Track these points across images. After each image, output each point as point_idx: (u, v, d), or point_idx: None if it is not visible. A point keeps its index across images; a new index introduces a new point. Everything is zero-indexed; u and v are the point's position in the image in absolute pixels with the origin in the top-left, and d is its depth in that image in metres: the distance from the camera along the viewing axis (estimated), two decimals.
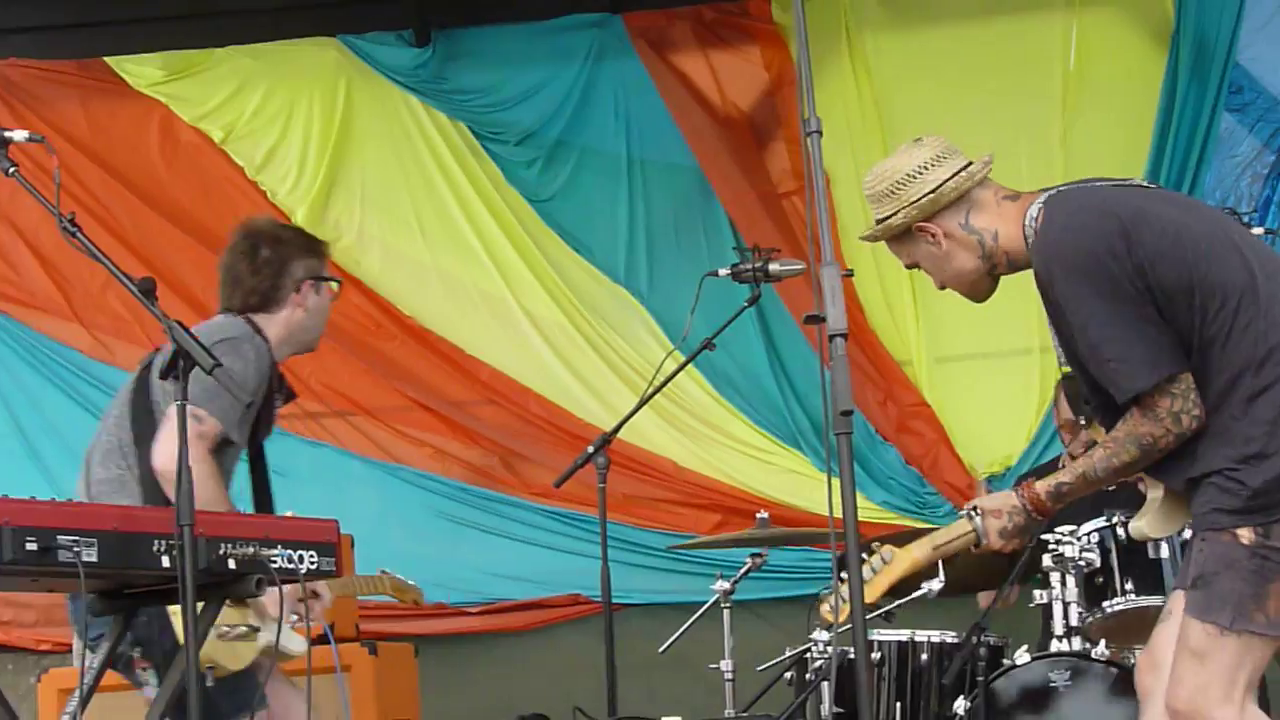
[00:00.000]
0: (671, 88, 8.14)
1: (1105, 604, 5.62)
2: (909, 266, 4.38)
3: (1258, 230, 6.54)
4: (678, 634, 6.35)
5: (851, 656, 5.18)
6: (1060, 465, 5.27)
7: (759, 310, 7.36)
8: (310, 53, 8.26)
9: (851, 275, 6.85)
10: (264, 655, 4.96)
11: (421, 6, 8.22)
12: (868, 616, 5.51)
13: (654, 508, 7.97)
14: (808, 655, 5.91)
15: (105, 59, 8.25)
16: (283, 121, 8.22)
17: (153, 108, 8.27)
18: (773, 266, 6.17)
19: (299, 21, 8.30)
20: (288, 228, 5.44)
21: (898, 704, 5.75)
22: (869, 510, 7.61)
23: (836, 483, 3.81)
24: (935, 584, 5.46)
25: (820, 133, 3.86)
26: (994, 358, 7.87)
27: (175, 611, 4.67)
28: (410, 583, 6.42)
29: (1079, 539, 5.63)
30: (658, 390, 6.55)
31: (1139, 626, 5.45)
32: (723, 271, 6.25)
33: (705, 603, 6.29)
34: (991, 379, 7.89)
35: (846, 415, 3.68)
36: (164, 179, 8.24)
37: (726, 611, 6.21)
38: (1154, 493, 4.24)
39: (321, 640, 5.27)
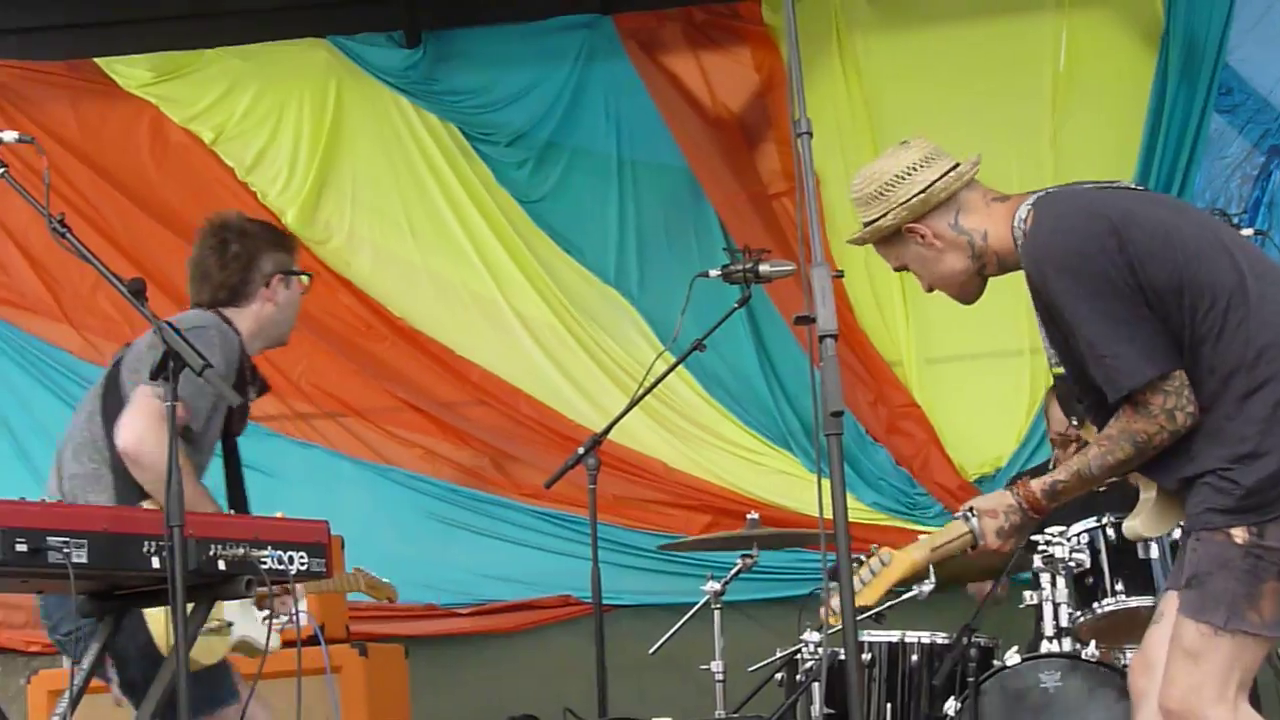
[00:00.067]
0: (662, 89, 8.14)
1: (1095, 605, 5.62)
2: (897, 269, 4.38)
3: (1247, 231, 6.57)
4: (668, 635, 6.36)
5: (842, 657, 5.18)
6: (1051, 467, 5.28)
7: (749, 311, 7.37)
8: (300, 54, 8.25)
9: (842, 276, 6.86)
10: (236, 650, 4.98)
11: (412, 7, 8.22)
12: (861, 617, 5.54)
13: (644, 509, 7.96)
14: (798, 656, 5.91)
15: (95, 60, 8.24)
16: (273, 123, 8.22)
17: (143, 109, 8.26)
18: (763, 267, 6.18)
19: (289, 22, 8.29)
20: (256, 222, 5.40)
21: (888, 705, 5.76)
22: (859, 511, 7.62)
23: (827, 483, 3.82)
24: (926, 586, 5.47)
25: (810, 134, 3.87)
26: (984, 359, 7.88)
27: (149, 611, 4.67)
28: (384, 580, 6.41)
29: (1069, 540, 5.63)
30: (648, 391, 6.56)
31: (1129, 627, 5.46)
32: (713, 272, 6.26)
33: (696, 604, 6.30)
34: (982, 380, 7.89)
35: (837, 416, 3.69)
36: (154, 180, 8.23)
37: (717, 612, 6.21)
38: (1147, 492, 4.24)
39: (312, 641, 5.27)
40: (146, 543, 4.10)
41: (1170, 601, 4.10)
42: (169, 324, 4.21)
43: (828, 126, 7.71)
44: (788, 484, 7.80)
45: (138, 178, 8.23)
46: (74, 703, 4.42)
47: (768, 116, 8.12)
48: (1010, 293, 4.43)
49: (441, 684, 7.74)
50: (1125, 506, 4.43)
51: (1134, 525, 4.30)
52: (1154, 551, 5.60)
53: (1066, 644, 5.59)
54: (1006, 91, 7.91)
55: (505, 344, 8.14)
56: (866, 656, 5.73)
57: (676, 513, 7.95)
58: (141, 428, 4.70)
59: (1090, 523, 5.67)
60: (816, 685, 5.67)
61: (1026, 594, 5.72)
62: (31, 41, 8.28)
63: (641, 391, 6.49)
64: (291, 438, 8.08)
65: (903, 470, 7.83)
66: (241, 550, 4.21)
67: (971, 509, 4.25)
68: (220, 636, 4.89)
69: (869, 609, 4.82)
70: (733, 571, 6.27)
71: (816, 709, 5.67)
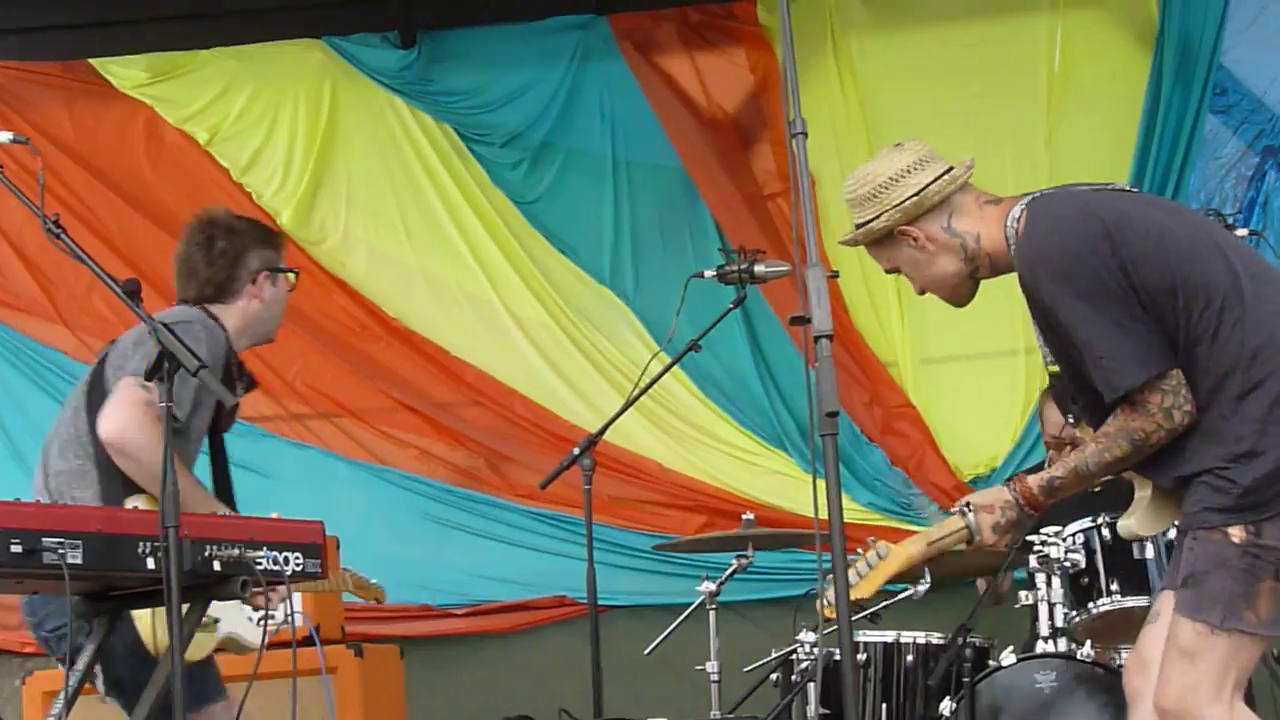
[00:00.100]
0: (657, 89, 8.14)
1: (1091, 605, 5.63)
2: (889, 271, 4.39)
3: (1241, 231, 6.57)
4: (663, 635, 6.36)
5: (837, 658, 5.19)
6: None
7: (744, 312, 7.36)
8: (295, 54, 8.25)
9: (837, 276, 6.87)
10: (223, 646, 4.97)
11: (407, 8, 8.21)
12: (857, 616, 5.54)
13: (639, 509, 7.96)
14: (793, 657, 5.91)
15: (90, 61, 8.23)
16: (268, 123, 8.21)
17: (138, 109, 8.25)
18: (758, 268, 6.18)
19: (284, 23, 8.29)
20: (243, 218, 5.38)
21: (883, 705, 5.76)
22: (854, 511, 7.61)
23: (822, 484, 3.82)
24: (921, 586, 5.47)
25: (805, 134, 3.87)
26: (979, 359, 7.88)
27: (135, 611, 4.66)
28: (372, 581, 6.41)
29: (1064, 540, 5.63)
30: (643, 392, 6.55)
31: (1125, 627, 5.47)
32: (708, 273, 6.26)
33: (691, 604, 6.30)
34: (977, 380, 7.89)
35: (832, 416, 3.69)
36: (149, 181, 8.22)
37: (712, 613, 6.21)
38: (1142, 490, 4.25)
39: (307, 642, 5.26)
40: (141, 543, 4.09)
41: (1166, 601, 4.11)
42: (164, 325, 4.20)
43: (823, 127, 7.70)
44: (783, 484, 7.80)
45: (133, 178, 8.22)
46: (69, 703, 4.42)
47: (763, 117, 8.12)
48: (1005, 293, 4.44)
49: (437, 684, 7.74)
50: (1120, 506, 4.43)
51: (1129, 524, 4.31)
52: (1149, 551, 5.60)
53: (1062, 644, 5.60)
54: (1001, 92, 7.92)
55: (500, 345, 8.14)
56: (862, 657, 5.73)
57: (672, 513, 7.95)
58: (124, 417, 4.67)
59: (1085, 523, 5.67)
60: (812, 685, 5.68)
61: (1022, 594, 5.72)
62: (30, 42, 8.28)
63: (637, 392, 6.49)
64: (286, 438, 8.07)
65: (898, 470, 7.83)
66: (237, 551, 4.21)
67: (968, 504, 4.26)
68: (207, 633, 4.88)
69: (864, 602, 4.81)
70: (728, 572, 6.27)
71: (812, 709, 5.68)
